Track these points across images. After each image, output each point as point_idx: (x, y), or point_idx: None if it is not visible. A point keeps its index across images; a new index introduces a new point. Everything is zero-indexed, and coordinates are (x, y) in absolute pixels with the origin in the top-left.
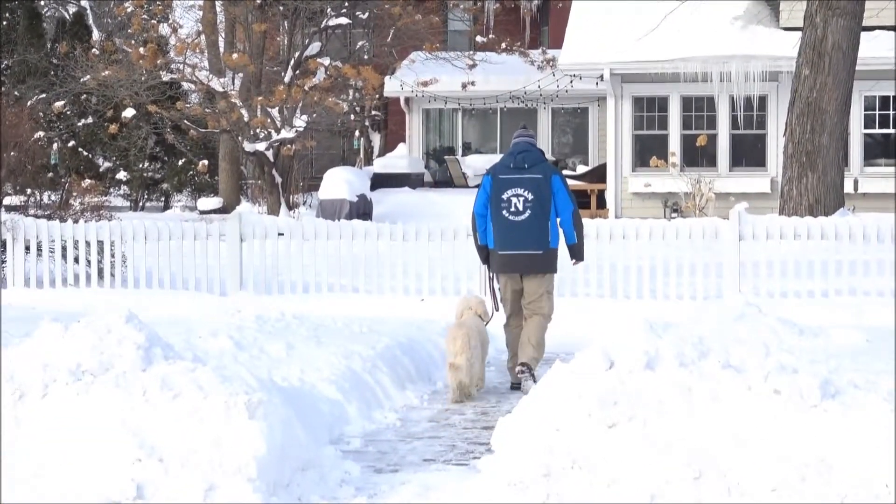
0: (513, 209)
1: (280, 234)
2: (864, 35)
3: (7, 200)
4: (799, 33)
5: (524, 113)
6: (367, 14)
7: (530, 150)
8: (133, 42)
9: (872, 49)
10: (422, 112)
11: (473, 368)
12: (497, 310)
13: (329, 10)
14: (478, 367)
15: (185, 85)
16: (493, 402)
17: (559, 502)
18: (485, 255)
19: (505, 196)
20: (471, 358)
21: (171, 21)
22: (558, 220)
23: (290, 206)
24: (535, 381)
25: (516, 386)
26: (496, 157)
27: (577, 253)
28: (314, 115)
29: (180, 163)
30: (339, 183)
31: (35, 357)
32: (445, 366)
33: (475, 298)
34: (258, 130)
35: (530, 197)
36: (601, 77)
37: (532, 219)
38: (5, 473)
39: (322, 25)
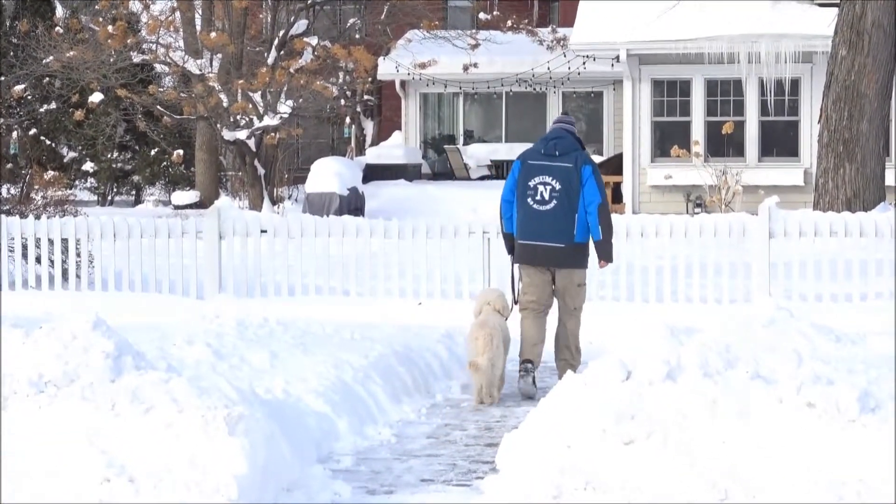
0: (538, 198)
1: (263, 232)
2: None
3: None
4: (835, 10)
5: (532, 97)
6: None
7: (564, 136)
8: (101, 20)
9: None
10: (419, 97)
11: (495, 369)
12: (516, 303)
13: None
14: (500, 368)
15: (159, 67)
16: (498, 417)
17: None
18: (511, 243)
19: (532, 183)
20: (493, 358)
21: None
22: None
23: (274, 201)
24: (534, 383)
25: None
26: (501, 147)
27: (603, 252)
28: (300, 100)
29: (153, 153)
30: (328, 175)
31: None
32: (465, 367)
33: (494, 292)
34: (239, 117)
35: (558, 186)
36: (617, 58)
37: (557, 209)
38: None
39: (309, 1)
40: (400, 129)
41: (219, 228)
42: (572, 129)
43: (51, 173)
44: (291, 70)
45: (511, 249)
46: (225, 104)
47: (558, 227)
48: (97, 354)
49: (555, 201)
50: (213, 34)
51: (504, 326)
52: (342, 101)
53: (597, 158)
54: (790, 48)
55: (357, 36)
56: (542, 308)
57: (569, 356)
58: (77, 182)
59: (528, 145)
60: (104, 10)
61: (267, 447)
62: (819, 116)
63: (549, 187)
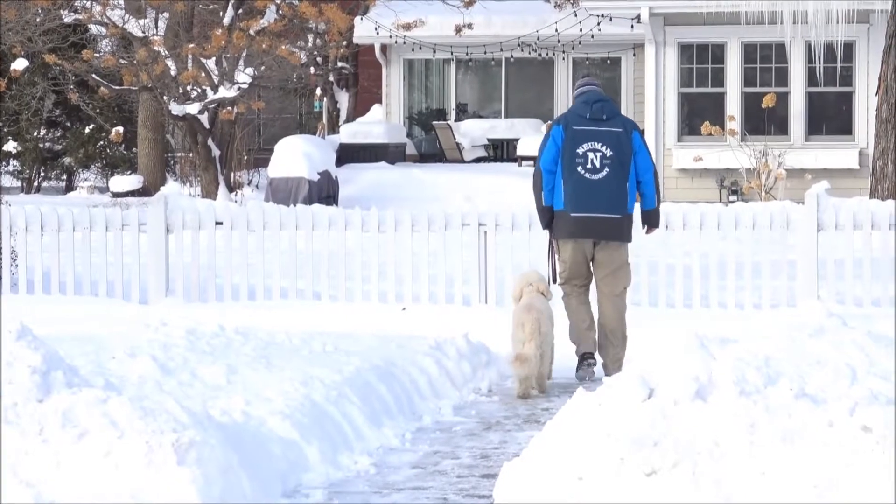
0: (589, 166)
1: (218, 224)
2: None
3: None
4: None
5: (536, 65)
6: None
7: (607, 99)
8: None
9: None
10: (403, 64)
11: (545, 358)
12: (554, 282)
13: None
14: (549, 356)
15: (94, 28)
16: (497, 443)
17: None
18: (549, 217)
19: (580, 150)
20: (542, 345)
21: None
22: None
23: (232, 187)
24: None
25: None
26: (500, 123)
27: (654, 219)
28: (262, 67)
29: (87, 130)
30: (296, 156)
31: None
32: (511, 356)
33: (535, 273)
34: (189, 88)
35: (609, 153)
36: (638, 17)
37: (611, 178)
38: None
39: None
40: (380, 102)
41: (165, 220)
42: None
43: None
44: (252, 32)
45: (549, 224)
46: (173, 72)
47: (613, 197)
48: (22, 369)
49: (607, 169)
50: None
51: (551, 311)
52: (312, 69)
53: None
54: (843, 6)
55: None
56: (587, 286)
57: (619, 346)
58: None
59: (533, 121)
60: None
61: (223, 479)
62: (877, 87)
63: (599, 154)
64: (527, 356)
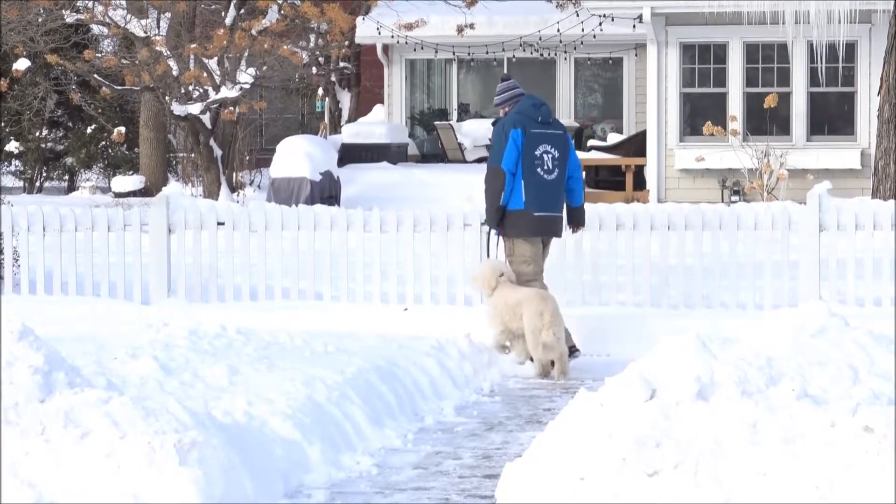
0: (545, 167)
1: (220, 224)
2: None
3: None
4: None
5: (538, 65)
6: None
7: (545, 103)
8: None
9: None
10: (405, 64)
11: (561, 342)
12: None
13: None
14: (564, 340)
15: (96, 28)
16: (499, 443)
17: None
18: (500, 217)
19: (538, 153)
20: (559, 332)
21: None
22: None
23: (234, 188)
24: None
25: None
26: None
27: (583, 218)
28: (264, 67)
29: (89, 130)
30: (298, 157)
31: None
32: (497, 343)
33: (502, 264)
34: (191, 88)
35: (557, 154)
36: (640, 17)
37: (560, 178)
38: None
39: None
40: (382, 102)
41: (167, 220)
42: None
43: None
44: (253, 32)
45: (500, 223)
46: (175, 72)
47: (561, 197)
48: (23, 370)
49: (557, 170)
50: None
51: None
52: (314, 70)
53: (615, 137)
54: (845, 6)
55: None
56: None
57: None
58: None
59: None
60: None
61: (225, 479)
62: (879, 87)
63: (550, 156)
64: (552, 343)
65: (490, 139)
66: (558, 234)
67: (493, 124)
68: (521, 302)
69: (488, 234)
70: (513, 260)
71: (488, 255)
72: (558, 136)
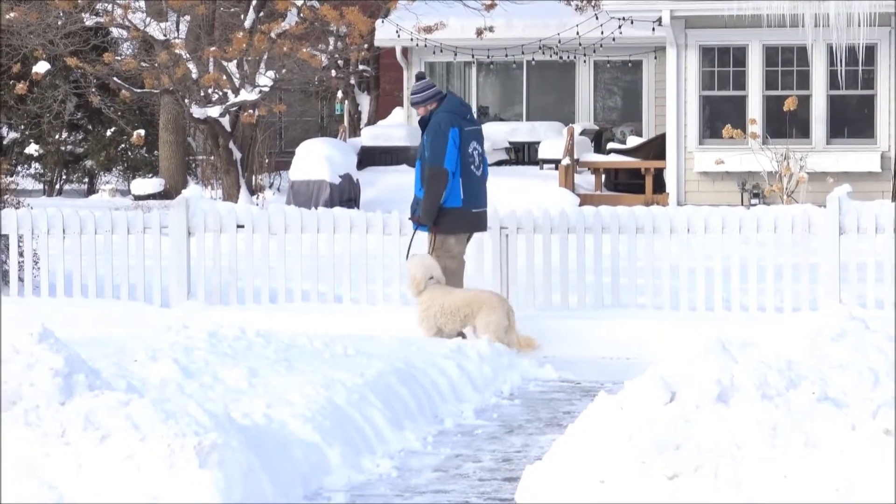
0: (476, 164)
1: (240, 227)
2: None
3: None
4: None
5: (558, 68)
6: None
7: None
8: None
9: None
10: (424, 67)
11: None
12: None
13: None
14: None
15: (116, 31)
16: (519, 446)
17: None
18: (437, 215)
19: (469, 150)
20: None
21: None
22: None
23: (253, 190)
24: None
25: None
26: (521, 126)
27: None
28: (283, 70)
29: (109, 133)
30: (317, 160)
31: None
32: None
33: (434, 264)
34: (210, 91)
35: (481, 150)
36: (659, 20)
37: (484, 173)
38: None
39: None
40: (401, 105)
41: (187, 223)
42: None
43: None
44: (273, 35)
45: (434, 220)
46: (194, 75)
47: (486, 191)
48: (44, 372)
49: (483, 166)
50: None
51: None
52: (333, 72)
53: (634, 140)
54: (864, 8)
55: None
56: None
57: None
58: (19, 168)
59: (554, 124)
60: None
61: (244, 482)
62: None
63: (477, 153)
64: (531, 339)
65: (429, 138)
66: (486, 229)
67: (421, 123)
68: (472, 304)
69: (414, 231)
70: (440, 255)
71: (408, 253)
72: (480, 132)
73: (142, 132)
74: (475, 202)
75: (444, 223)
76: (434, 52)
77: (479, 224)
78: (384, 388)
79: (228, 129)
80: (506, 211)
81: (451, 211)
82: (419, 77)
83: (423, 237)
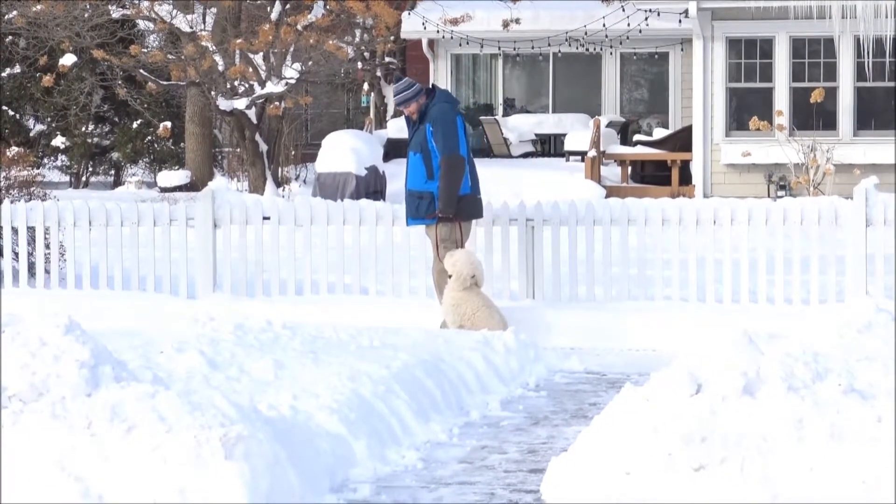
0: (470, 151)
1: (266, 219)
2: None
3: None
4: None
5: (584, 60)
6: None
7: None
8: None
9: None
10: (450, 59)
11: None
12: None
13: None
14: None
15: (142, 24)
16: (545, 438)
17: None
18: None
19: (466, 138)
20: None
21: None
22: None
23: (279, 182)
24: None
25: None
26: (548, 119)
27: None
28: (310, 62)
29: (135, 125)
30: (343, 152)
31: None
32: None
33: (479, 263)
34: (237, 83)
35: (467, 139)
36: (685, 12)
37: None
38: None
39: None
40: None
41: (213, 215)
42: None
43: (14, 149)
44: (299, 27)
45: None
46: (220, 68)
47: None
48: (70, 364)
49: (470, 153)
50: None
51: None
52: (359, 64)
53: (661, 132)
54: (892, 0)
55: None
56: None
57: None
58: (46, 160)
59: (580, 116)
60: None
61: (271, 474)
62: None
63: (468, 141)
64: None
65: (437, 128)
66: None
67: (408, 121)
68: (477, 315)
69: (436, 222)
70: (447, 245)
71: (438, 248)
72: (463, 121)
73: (168, 124)
74: (477, 188)
75: (461, 211)
76: (460, 44)
77: (481, 210)
78: (410, 380)
79: (255, 121)
80: (532, 203)
81: (464, 199)
82: (398, 79)
83: (422, 230)
